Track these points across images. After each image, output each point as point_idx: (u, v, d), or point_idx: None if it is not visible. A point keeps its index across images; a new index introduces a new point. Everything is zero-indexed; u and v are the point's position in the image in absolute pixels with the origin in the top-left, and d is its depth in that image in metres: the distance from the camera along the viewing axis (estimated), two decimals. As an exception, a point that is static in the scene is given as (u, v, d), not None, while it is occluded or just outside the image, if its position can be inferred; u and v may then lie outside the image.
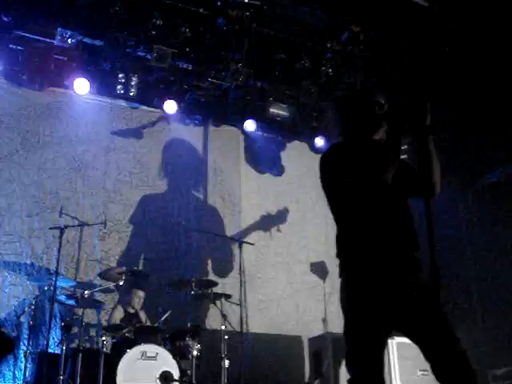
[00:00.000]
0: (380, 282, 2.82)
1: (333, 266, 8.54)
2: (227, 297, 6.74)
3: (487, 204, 8.17)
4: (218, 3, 6.94)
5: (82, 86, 7.44)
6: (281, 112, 8.35)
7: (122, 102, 8.14)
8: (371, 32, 7.37)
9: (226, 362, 6.23)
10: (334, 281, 8.33)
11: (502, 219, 7.70)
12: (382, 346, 2.83)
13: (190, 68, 7.66)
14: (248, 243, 7.37)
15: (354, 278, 2.89)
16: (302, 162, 9.15)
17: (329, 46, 7.54)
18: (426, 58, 7.54)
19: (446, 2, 6.80)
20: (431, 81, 7.49)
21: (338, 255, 3.04)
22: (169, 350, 5.90)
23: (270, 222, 8.78)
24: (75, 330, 6.31)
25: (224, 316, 6.43)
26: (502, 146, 7.63)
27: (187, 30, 7.07)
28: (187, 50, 7.36)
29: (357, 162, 2.94)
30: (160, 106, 8.05)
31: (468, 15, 6.79)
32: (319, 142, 8.93)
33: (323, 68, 7.79)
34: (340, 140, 3.22)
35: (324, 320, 8.48)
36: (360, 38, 7.37)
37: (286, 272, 8.68)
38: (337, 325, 8.48)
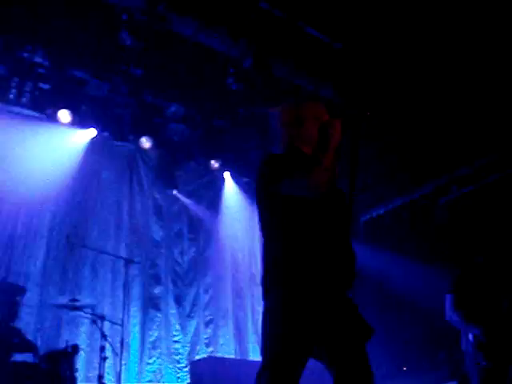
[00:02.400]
0: (319, 301, 2.76)
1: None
2: (106, 317, 6.51)
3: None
4: (124, 17, 6.83)
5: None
6: (178, 131, 8.33)
7: (14, 108, 7.76)
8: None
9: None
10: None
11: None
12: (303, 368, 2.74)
13: (88, 78, 7.48)
14: (134, 262, 7.24)
15: (293, 295, 2.76)
16: (198, 182, 9.14)
17: (231, 71, 7.59)
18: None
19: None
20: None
21: (270, 271, 2.91)
22: (44, 370, 5.63)
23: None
24: None
25: (104, 336, 6.22)
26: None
27: (88, 39, 6.93)
28: (86, 60, 7.19)
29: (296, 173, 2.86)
30: (54, 116, 7.77)
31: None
32: (215, 164, 8.93)
33: (224, 93, 7.86)
34: (277, 151, 3.13)
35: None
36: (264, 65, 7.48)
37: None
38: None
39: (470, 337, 5.52)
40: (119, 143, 8.61)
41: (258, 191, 3.05)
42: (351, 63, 7.26)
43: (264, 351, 2.76)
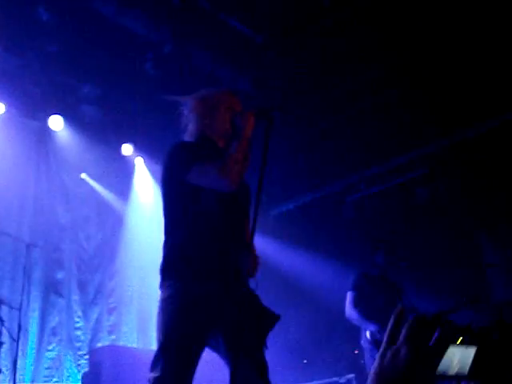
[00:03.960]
0: (214, 293, 2.77)
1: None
2: (3, 301, 6.26)
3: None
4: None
5: None
6: (90, 113, 8.10)
7: None
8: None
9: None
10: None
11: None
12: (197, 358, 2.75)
13: (-1, 51, 7.15)
14: (36, 246, 7.02)
15: (187, 286, 2.77)
16: (108, 166, 8.91)
17: (150, 56, 7.45)
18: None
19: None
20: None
21: (167, 260, 2.90)
22: None
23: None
24: None
25: (1, 321, 5.99)
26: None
27: (1, 11, 6.61)
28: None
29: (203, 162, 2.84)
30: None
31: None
32: (127, 149, 8.72)
33: (141, 77, 7.71)
34: (188, 138, 3.11)
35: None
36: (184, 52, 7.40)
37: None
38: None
39: (368, 334, 5.72)
40: (28, 121, 8.27)
41: (164, 178, 3.02)
42: (271, 57, 7.31)
43: (158, 340, 2.76)
